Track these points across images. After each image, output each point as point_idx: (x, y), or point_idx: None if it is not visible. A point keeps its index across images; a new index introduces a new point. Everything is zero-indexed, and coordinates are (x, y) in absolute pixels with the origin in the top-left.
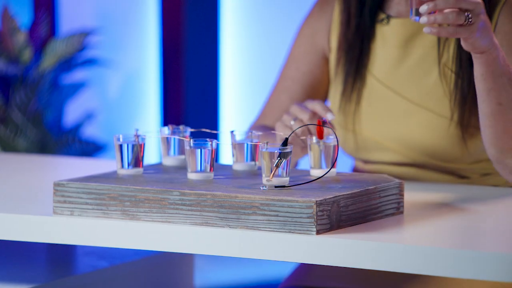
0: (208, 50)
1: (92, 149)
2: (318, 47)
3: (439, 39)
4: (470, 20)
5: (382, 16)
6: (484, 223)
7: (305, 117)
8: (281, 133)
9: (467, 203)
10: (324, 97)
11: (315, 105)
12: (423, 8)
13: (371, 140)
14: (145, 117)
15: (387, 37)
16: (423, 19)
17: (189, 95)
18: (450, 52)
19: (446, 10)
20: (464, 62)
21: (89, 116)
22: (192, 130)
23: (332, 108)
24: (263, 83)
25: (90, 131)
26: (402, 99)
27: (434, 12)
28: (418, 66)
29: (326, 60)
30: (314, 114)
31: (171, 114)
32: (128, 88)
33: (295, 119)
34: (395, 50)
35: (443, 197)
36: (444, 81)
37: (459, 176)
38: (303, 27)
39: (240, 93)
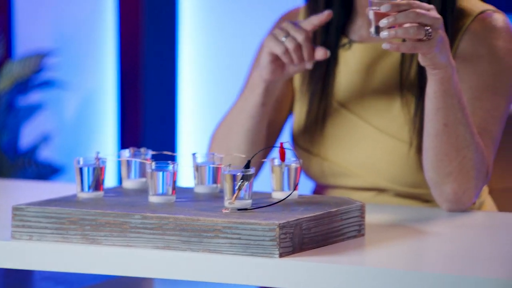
0: (166, 72)
1: (48, 172)
2: None
3: (401, 65)
4: (429, 35)
5: (345, 41)
6: (444, 246)
7: (299, 36)
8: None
9: (427, 226)
10: (288, 111)
11: (308, 25)
12: (383, 22)
13: (335, 165)
14: (103, 139)
15: (350, 62)
16: (384, 34)
17: (147, 117)
18: (411, 78)
19: (406, 25)
20: (424, 86)
21: (45, 139)
22: (153, 152)
23: (296, 128)
24: (221, 105)
25: (47, 154)
26: (366, 124)
27: (395, 27)
28: (381, 91)
29: (289, 80)
30: (307, 35)
31: (129, 136)
32: (85, 110)
33: (287, 36)
34: (358, 75)
35: (404, 219)
36: (405, 107)
37: (422, 200)
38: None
39: (199, 115)
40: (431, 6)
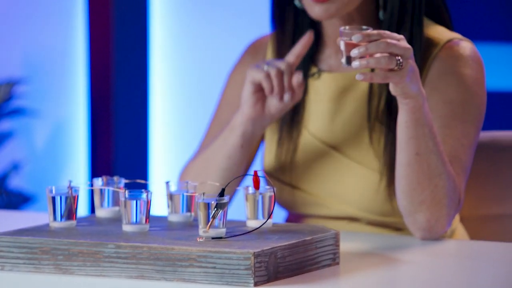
0: (138, 100)
1: (19, 200)
2: None
3: (369, 95)
4: (400, 64)
5: (314, 70)
6: (418, 274)
7: (282, 65)
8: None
9: (401, 254)
10: (259, 141)
11: (291, 56)
12: (354, 52)
13: (307, 194)
14: (74, 168)
15: (319, 91)
16: (355, 64)
17: (118, 145)
18: (380, 108)
19: (377, 55)
20: (393, 115)
21: (15, 167)
22: (126, 181)
23: (268, 157)
24: (193, 134)
25: (17, 183)
26: (336, 153)
27: (366, 56)
28: (351, 121)
29: None
30: (288, 64)
31: (100, 165)
32: (56, 138)
33: (268, 63)
34: (328, 104)
35: (378, 247)
36: (375, 137)
37: (393, 228)
38: (233, 74)
39: (170, 143)
40: (401, 36)
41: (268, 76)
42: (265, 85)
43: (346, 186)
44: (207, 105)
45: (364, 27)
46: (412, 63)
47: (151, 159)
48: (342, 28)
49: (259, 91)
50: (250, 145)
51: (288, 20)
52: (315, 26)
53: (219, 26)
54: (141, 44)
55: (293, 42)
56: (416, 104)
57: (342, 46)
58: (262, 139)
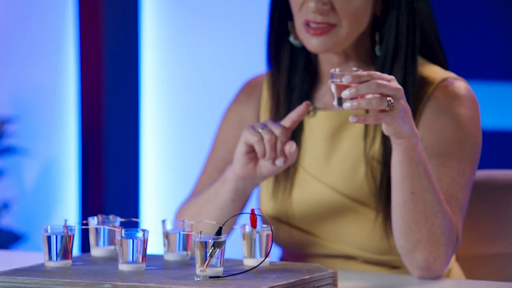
0: (128, 138)
1: (9, 239)
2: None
3: (365, 133)
4: (392, 105)
5: (309, 108)
6: None
7: (276, 129)
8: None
9: None
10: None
11: (287, 121)
12: (345, 94)
13: (303, 233)
14: (64, 206)
15: (315, 129)
16: (346, 105)
17: (109, 184)
18: (377, 144)
19: (368, 96)
20: (389, 153)
21: (5, 206)
22: (122, 220)
23: (264, 195)
24: (185, 173)
25: (7, 222)
26: (332, 192)
27: (357, 98)
28: (346, 159)
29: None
30: (284, 129)
31: (91, 204)
32: (46, 177)
33: (264, 126)
34: (323, 142)
35: (376, 286)
36: (370, 175)
37: (390, 266)
38: (228, 113)
39: (162, 182)
40: (392, 76)
41: (261, 140)
42: (258, 149)
43: (342, 225)
44: (199, 143)
45: (355, 68)
46: (403, 103)
47: (142, 197)
48: (332, 70)
49: (252, 152)
50: (242, 200)
51: (284, 59)
52: (311, 63)
53: (212, 54)
54: (132, 81)
55: (289, 80)
56: (409, 144)
57: (333, 88)
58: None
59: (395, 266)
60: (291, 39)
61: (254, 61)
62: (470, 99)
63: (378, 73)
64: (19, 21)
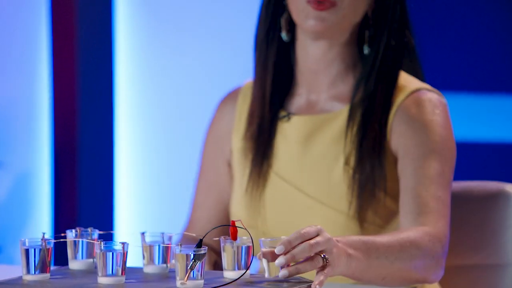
0: (103, 150)
1: None
2: (221, 154)
3: (346, 135)
4: (327, 260)
5: (283, 113)
6: None
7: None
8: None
9: None
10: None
11: None
12: (281, 261)
13: (274, 237)
14: (37, 219)
15: (288, 133)
16: (284, 273)
17: (83, 196)
18: (349, 149)
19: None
20: (363, 156)
21: None
22: (101, 232)
23: (235, 200)
24: (159, 185)
25: None
26: (303, 195)
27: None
28: (319, 163)
29: (228, 165)
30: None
31: (64, 216)
32: (19, 189)
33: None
34: (296, 146)
35: None
36: (343, 179)
37: None
38: (207, 136)
39: (136, 194)
40: (318, 227)
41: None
42: None
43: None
44: (174, 155)
45: (283, 236)
46: (335, 251)
47: (116, 209)
48: (262, 239)
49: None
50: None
51: (270, 57)
52: (291, 69)
53: (188, 58)
54: (106, 92)
55: (272, 83)
56: (354, 271)
57: (265, 263)
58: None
59: None
60: (283, 34)
61: (231, 64)
62: (441, 109)
63: (305, 230)
64: None
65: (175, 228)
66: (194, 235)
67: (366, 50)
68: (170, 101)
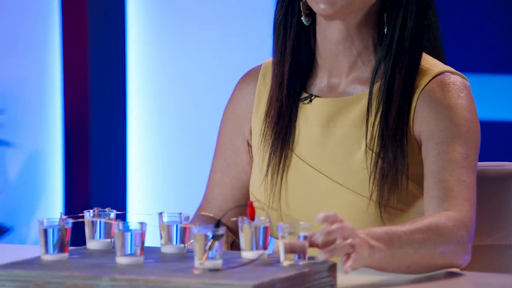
0: (115, 130)
1: None
2: (240, 134)
3: (367, 120)
4: (354, 246)
5: (305, 95)
6: None
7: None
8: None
9: (398, 284)
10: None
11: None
12: (322, 257)
13: (294, 220)
14: (49, 198)
15: (310, 116)
16: (322, 256)
17: (95, 175)
18: (372, 132)
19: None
20: (386, 143)
21: None
22: (118, 212)
23: (254, 182)
24: (171, 163)
25: None
26: (324, 178)
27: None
28: (340, 146)
29: (248, 144)
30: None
31: (76, 196)
32: (31, 169)
33: None
34: (318, 128)
35: (374, 278)
36: (365, 162)
37: None
38: (225, 113)
39: (148, 174)
40: (341, 217)
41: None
42: None
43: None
44: (186, 134)
45: (302, 222)
46: (358, 241)
47: (129, 189)
48: (280, 224)
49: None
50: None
51: (288, 44)
52: (311, 51)
53: (199, 42)
54: (117, 72)
55: (291, 65)
56: (378, 262)
57: (282, 248)
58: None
59: None
60: (303, 19)
61: (238, 57)
62: (466, 92)
63: (343, 225)
64: (2, 13)
65: (187, 208)
66: (211, 215)
67: (386, 31)
68: (184, 80)
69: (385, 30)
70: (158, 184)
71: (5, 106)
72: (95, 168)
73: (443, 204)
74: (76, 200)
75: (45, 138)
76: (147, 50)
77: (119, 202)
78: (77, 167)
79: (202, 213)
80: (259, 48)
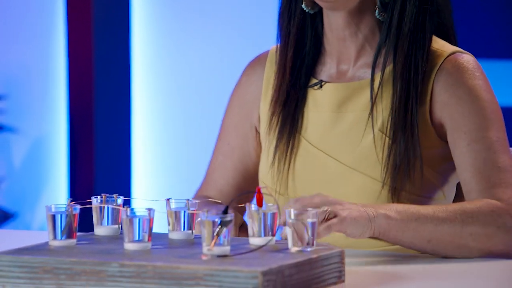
0: (119, 116)
1: (0, 217)
2: (247, 119)
3: (371, 104)
4: (332, 213)
5: (314, 81)
6: None
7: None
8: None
9: (406, 271)
10: (254, 171)
11: None
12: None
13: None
14: (53, 184)
15: (319, 101)
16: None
17: (99, 161)
18: (384, 116)
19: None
20: (398, 128)
21: None
22: (126, 198)
23: (264, 167)
24: (175, 150)
25: None
26: (336, 163)
27: None
28: (351, 130)
29: (256, 131)
30: None
31: (81, 181)
32: (35, 155)
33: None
34: (328, 114)
35: (382, 264)
36: (378, 146)
37: None
38: (232, 97)
39: (152, 160)
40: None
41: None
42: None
43: (346, 195)
44: (191, 120)
45: (310, 208)
46: (340, 207)
47: (133, 175)
48: (287, 210)
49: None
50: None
51: (292, 31)
52: (318, 37)
53: (204, 42)
54: (122, 59)
55: (296, 52)
56: (390, 229)
57: (290, 233)
58: (258, 158)
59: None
60: (303, 5)
61: (242, 48)
62: (479, 71)
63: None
64: None
65: (192, 195)
66: (219, 201)
67: (377, 16)
68: (188, 66)
69: (377, 13)
70: (162, 170)
71: (9, 92)
72: (99, 154)
73: (483, 196)
74: (80, 186)
75: (50, 124)
76: (152, 33)
77: (123, 188)
78: (81, 153)
79: (210, 199)
80: (264, 45)
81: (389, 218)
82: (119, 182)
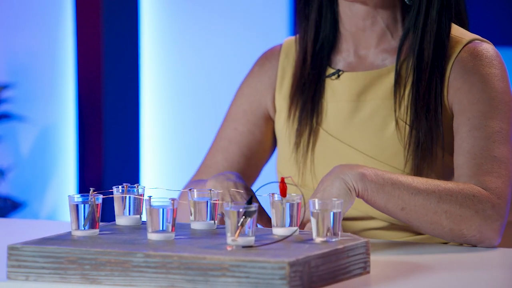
0: (128, 105)
1: (7, 207)
2: (259, 107)
3: (395, 91)
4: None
5: (332, 70)
6: (449, 281)
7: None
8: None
9: (431, 261)
10: (262, 159)
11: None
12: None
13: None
14: (62, 173)
15: (337, 91)
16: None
17: (108, 150)
18: (405, 104)
19: None
20: (419, 114)
21: (1, 173)
22: (148, 188)
23: (281, 158)
24: (184, 138)
25: (3, 189)
26: (356, 152)
27: None
28: (371, 120)
29: (267, 120)
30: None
31: (89, 170)
32: (44, 143)
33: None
34: (347, 103)
35: (407, 254)
36: (399, 134)
37: (416, 233)
38: (242, 86)
39: (161, 148)
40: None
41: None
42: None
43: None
44: (200, 111)
45: (334, 199)
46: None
47: (141, 164)
48: (311, 200)
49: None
50: None
51: (311, 19)
52: (336, 26)
53: (214, 38)
54: (130, 47)
55: (316, 38)
56: (366, 188)
57: (314, 223)
58: (268, 146)
59: (420, 232)
60: None
61: (250, 50)
62: (497, 60)
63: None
64: None
65: None
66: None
67: (407, 1)
68: (196, 55)
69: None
70: (171, 158)
71: (17, 80)
72: (108, 143)
73: (471, 182)
74: (89, 175)
75: (58, 112)
76: (161, 19)
77: (132, 177)
78: (90, 141)
79: (232, 190)
80: (274, 44)
81: (365, 177)
82: (128, 171)
